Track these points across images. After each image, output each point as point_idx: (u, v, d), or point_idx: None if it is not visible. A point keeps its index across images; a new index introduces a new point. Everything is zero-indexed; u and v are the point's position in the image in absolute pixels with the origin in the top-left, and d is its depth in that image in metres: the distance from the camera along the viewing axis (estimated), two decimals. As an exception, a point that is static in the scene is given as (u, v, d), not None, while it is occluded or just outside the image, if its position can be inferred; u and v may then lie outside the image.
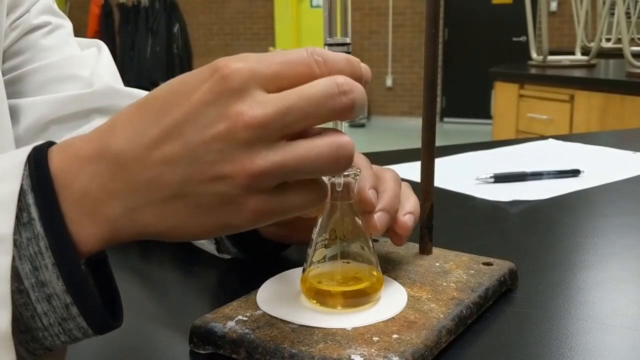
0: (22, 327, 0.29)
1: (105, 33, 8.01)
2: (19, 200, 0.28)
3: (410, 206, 0.46)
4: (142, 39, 7.99)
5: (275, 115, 0.29)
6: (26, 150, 0.30)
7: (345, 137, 0.31)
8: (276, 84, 0.30)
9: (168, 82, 0.31)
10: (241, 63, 0.29)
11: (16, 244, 0.28)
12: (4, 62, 0.62)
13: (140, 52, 8.02)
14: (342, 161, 0.30)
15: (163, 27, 7.88)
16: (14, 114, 0.60)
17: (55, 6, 0.68)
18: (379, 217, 0.42)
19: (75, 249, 0.30)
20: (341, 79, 0.30)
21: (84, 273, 0.29)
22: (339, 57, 0.31)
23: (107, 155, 0.29)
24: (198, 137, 0.28)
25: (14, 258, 0.28)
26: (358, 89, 0.31)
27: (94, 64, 0.66)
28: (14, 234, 0.28)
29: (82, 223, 0.30)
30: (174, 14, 7.93)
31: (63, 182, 0.29)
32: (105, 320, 0.31)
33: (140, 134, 0.29)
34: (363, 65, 0.33)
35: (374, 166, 0.46)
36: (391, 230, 0.45)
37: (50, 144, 0.31)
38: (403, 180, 0.48)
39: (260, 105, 0.28)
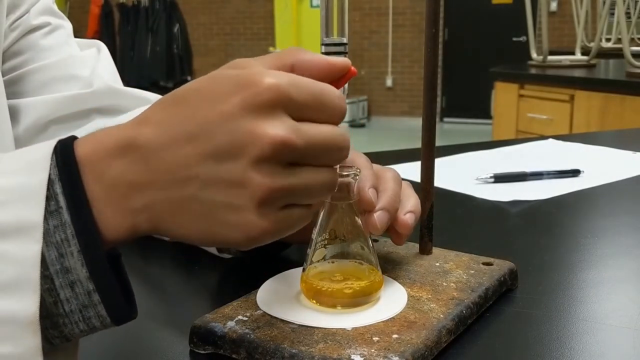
0: (43, 313, 0.30)
1: (105, 33, 8.02)
2: (47, 189, 0.29)
3: (411, 205, 0.46)
4: (142, 39, 7.99)
5: (298, 145, 0.30)
6: (52, 142, 0.31)
7: (334, 173, 0.34)
8: (301, 112, 0.31)
9: (199, 81, 0.32)
10: (274, 80, 0.30)
11: (43, 231, 0.29)
12: (3, 62, 0.62)
13: (140, 52, 8.02)
14: (332, 188, 0.34)
15: (163, 27, 7.88)
16: (14, 114, 0.60)
17: (55, 7, 0.68)
18: (378, 216, 0.42)
19: (100, 237, 0.30)
20: (348, 138, 0.34)
21: (106, 262, 0.30)
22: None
23: (135, 147, 0.31)
24: (225, 145, 0.30)
25: (41, 245, 0.29)
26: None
27: (93, 64, 0.66)
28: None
29: (108, 212, 0.31)
30: (174, 14, 7.93)
31: (90, 172, 0.31)
32: (123, 309, 0.32)
33: (168, 133, 0.30)
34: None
35: (375, 165, 0.46)
36: (392, 229, 0.45)
37: (75, 137, 0.32)
38: (403, 180, 0.48)
39: (287, 129, 0.30)
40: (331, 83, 0.35)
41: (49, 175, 0.30)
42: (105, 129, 0.33)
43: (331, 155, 0.33)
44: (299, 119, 0.31)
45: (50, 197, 0.29)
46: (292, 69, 0.33)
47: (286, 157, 0.30)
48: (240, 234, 0.31)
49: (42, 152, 0.30)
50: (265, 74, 0.30)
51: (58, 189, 0.30)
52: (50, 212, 0.29)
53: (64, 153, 0.30)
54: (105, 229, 0.31)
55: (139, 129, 0.31)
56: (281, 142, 0.30)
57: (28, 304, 0.28)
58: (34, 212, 0.29)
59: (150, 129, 0.31)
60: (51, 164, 0.30)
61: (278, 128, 0.30)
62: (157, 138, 0.30)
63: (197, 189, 0.30)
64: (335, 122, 0.33)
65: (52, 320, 0.30)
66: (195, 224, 0.31)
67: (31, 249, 0.29)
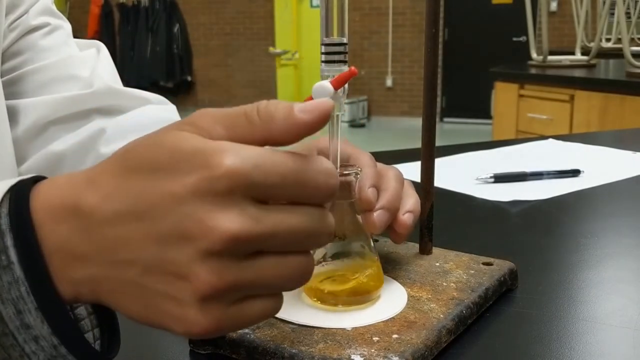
0: None
1: (105, 33, 8.02)
2: None
3: (410, 205, 0.46)
4: (142, 39, 7.99)
5: (255, 237, 0.27)
6: (8, 184, 0.29)
7: (309, 259, 0.30)
8: (268, 195, 0.28)
9: (156, 143, 0.28)
10: (237, 163, 0.26)
11: None
12: (2, 63, 0.62)
13: (140, 52, 8.03)
14: (303, 280, 0.30)
15: (163, 27, 7.89)
16: (13, 114, 0.60)
17: (54, 7, 0.68)
18: (378, 216, 0.42)
19: (57, 291, 0.28)
20: (331, 221, 0.30)
21: (68, 316, 0.29)
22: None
23: (79, 214, 0.28)
24: (171, 231, 0.27)
25: None
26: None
27: (93, 65, 0.66)
28: None
29: (55, 274, 0.28)
30: (174, 14, 7.94)
31: (39, 231, 0.28)
32: (97, 354, 0.30)
33: (117, 201, 0.28)
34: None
35: (378, 164, 0.46)
36: (391, 228, 0.45)
37: (36, 180, 0.30)
38: (405, 179, 0.48)
39: (242, 222, 0.26)
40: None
41: (0, 225, 0.27)
42: (59, 179, 0.30)
43: (304, 242, 0.29)
44: (267, 200, 0.28)
45: (1, 250, 0.27)
46: (262, 138, 0.29)
47: (240, 250, 0.27)
48: (180, 328, 0.28)
49: None
50: (226, 153, 0.27)
51: (9, 241, 0.27)
52: (2, 267, 0.27)
53: (19, 201, 0.28)
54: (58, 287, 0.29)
55: (86, 194, 0.28)
56: (234, 237, 0.26)
57: None
58: None
59: (96, 198, 0.28)
60: (2, 211, 0.28)
61: (232, 220, 0.26)
62: (101, 210, 0.28)
63: (137, 274, 0.28)
64: (318, 203, 0.29)
65: None
66: (134, 307, 0.29)
67: None
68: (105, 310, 0.33)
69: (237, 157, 0.27)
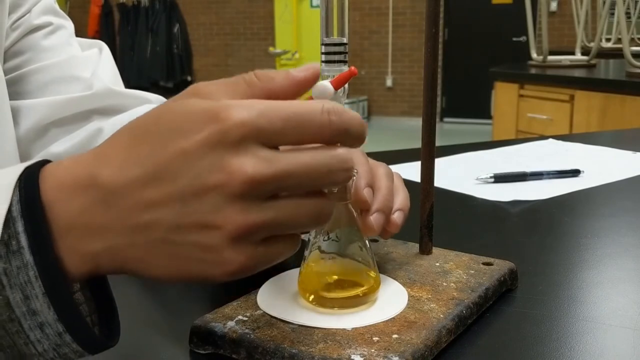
0: (16, 354, 0.29)
1: (105, 33, 8.02)
2: (8, 226, 0.28)
3: (399, 202, 0.45)
4: (142, 39, 7.99)
5: (274, 178, 0.28)
6: (17, 170, 0.29)
7: (325, 200, 0.31)
8: (278, 140, 0.29)
9: (160, 112, 0.30)
10: (244, 114, 0.28)
11: (6, 272, 0.28)
12: (4, 62, 0.62)
13: (140, 52, 8.03)
14: (322, 219, 0.31)
15: (163, 27, 7.88)
16: (15, 116, 0.60)
17: (57, 6, 0.68)
18: (375, 219, 0.42)
19: (66, 276, 0.29)
20: (348, 155, 0.30)
21: (75, 302, 0.29)
22: (355, 120, 0.31)
23: (96, 186, 0.29)
24: (191, 187, 0.28)
25: (4, 287, 0.28)
26: (358, 166, 0.32)
27: (94, 65, 0.66)
28: (4, 262, 0.28)
29: (68, 253, 0.29)
30: (174, 14, 7.94)
31: (52, 210, 0.29)
32: (100, 343, 0.31)
33: (131, 168, 0.28)
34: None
35: (369, 160, 0.46)
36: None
37: (43, 163, 0.30)
38: (394, 172, 0.48)
39: (259, 164, 0.28)
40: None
41: (11, 211, 0.28)
42: (69, 159, 0.31)
43: (318, 180, 0.30)
44: (277, 145, 0.29)
45: (12, 235, 0.28)
46: (261, 95, 0.31)
47: (260, 192, 0.28)
48: (217, 271, 0.29)
49: (5, 182, 0.29)
50: (233, 107, 0.28)
51: (20, 227, 0.28)
52: (12, 252, 0.28)
53: (28, 186, 0.29)
54: (69, 268, 0.29)
55: (99, 168, 0.29)
56: (251, 178, 0.28)
57: None
58: None
59: (110, 170, 0.29)
60: (14, 199, 0.28)
61: (247, 164, 0.28)
62: (117, 180, 0.28)
63: (163, 232, 0.28)
64: (325, 141, 0.30)
65: None
66: (165, 267, 0.30)
67: None
68: (103, 296, 0.33)
69: (242, 108, 0.28)
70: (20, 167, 0.30)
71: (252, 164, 0.28)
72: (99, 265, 0.30)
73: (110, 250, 0.29)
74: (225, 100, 0.29)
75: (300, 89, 0.32)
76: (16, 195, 0.28)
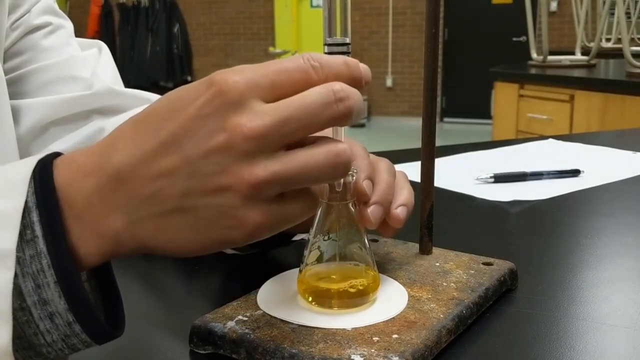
0: (25, 344, 0.29)
1: (105, 33, 8.02)
2: (23, 217, 0.28)
3: (403, 198, 0.45)
4: (142, 39, 7.99)
5: (273, 126, 0.29)
6: (31, 163, 0.30)
7: (341, 145, 0.31)
8: (273, 93, 0.30)
9: (166, 96, 0.31)
10: (237, 76, 0.29)
11: (19, 261, 0.28)
12: (4, 62, 0.62)
13: (140, 52, 8.03)
14: (340, 168, 0.31)
15: (163, 27, 7.89)
16: (15, 115, 0.60)
17: (57, 6, 0.68)
18: (372, 211, 0.42)
19: (78, 266, 0.30)
20: (337, 86, 0.30)
21: (85, 292, 0.29)
22: (336, 60, 0.32)
23: (108, 170, 0.30)
24: (197, 150, 0.29)
25: (16, 275, 0.28)
26: (354, 95, 0.31)
27: (94, 65, 0.66)
28: (17, 251, 0.28)
29: (85, 237, 0.30)
30: (174, 14, 7.94)
31: (67, 198, 0.29)
32: (108, 333, 0.31)
33: (139, 148, 0.29)
34: (362, 65, 0.33)
35: (370, 155, 0.46)
36: (383, 222, 0.44)
37: (55, 155, 0.31)
38: (399, 170, 0.48)
39: (258, 117, 0.29)
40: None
41: (26, 202, 0.29)
42: (80, 150, 0.32)
43: (317, 117, 0.30)
44: (277, 98, 0.30)
45: (26, 225, 0.28)
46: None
47: (264, 145, 0.29)
48: (237, 233, 0.30)
49: (20, 175, 0.29)
50: (226, 72, 0.30)
51: (35, 217, 0.28)
52: (26, 241, 0.28)
53: (42, 178, 0.29)
54: (84, 254, 0.30)
55: (107, 155, 0.30)
56: (254, 133, 0.28)
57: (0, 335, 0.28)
58: (7, 238, 0.28)
59: (118, 156, 0.30)
60: (29, 190, 0.29)
61: (250, 119, 0.28)
62: (125, 161, 0.29)
63: (179, 200, 0.29)
64: (316, 84, 0.31)
65: (35, 351, 0.30)
66: (184, 236, 0.30)
67: (2, 277, 0.28)
68: (108, 286, 0.33)
69: (235, 71, 0.30)
70: (34, 159, 0.30)
71: (251, 118, 0.28)
72: (119, 244, 0.30)
73: (129, 226, 0.30)
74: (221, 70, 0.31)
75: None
76: (31, 187, 0.29)
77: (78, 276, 0.29)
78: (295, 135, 0.30)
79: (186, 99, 0.29)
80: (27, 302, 0.28)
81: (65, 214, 0.29)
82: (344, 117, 0.30)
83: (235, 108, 0.29)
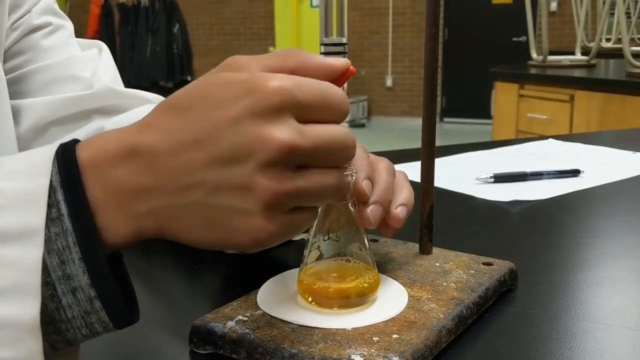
0: (46, 319, 0.30)
1: (105, 33, 8.02)
2: (49, 196, 0.29)
3: (403, 197, 0.45)
4: (142, 39, 7.99)
5: (304, 148, 0.30)
6: (54, 146, 0.31)
7: (342, 173, 0.34)
8: (306, 113, 0.31)
9: (202, 86, 0.31)
10: (279, 84, 0.30)
11: (46, 239, 0.29)
12: (5, 62, 0.62)
13: (140, 52, 8.02)
14: (343, 190, 0.35)
15: (163, 27, 7.88)
16: (15, 115, 0.60)
17: (57, 7, 0.68)
18: (371, 211, 0.42)
19: (102, 244, 0.31)
20: (352, 135, 0.34)
21: (107, 269, 0.30)
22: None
23: (139, 153, 0.30)
24: (231, 151, 0.30)
25: (42, 253, 0.29)
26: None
27: (94, 65, 0.66)
28: (44, 229, 0.29)
29: (111, 217, 0.31)
30: (174, 14, 7.93)
31: (92, 178, 0.30)
32: (126, 315, 0.32)
33: (174, 134, 0.30)
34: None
35: (370, 155, 0.46)
36: (383, 221, 0.44)
37: (77, 141, 0.32)
38: (399, 170, 0.48)
39: (293, 133, 0.30)
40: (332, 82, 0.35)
41: (51, 181, 0.29)
42: (107, 132, 0.32)
43: (338, 154, 0.33)
44: (304, 120, 0.31)
45: (52, 204, 0.29)
46: (293, 71, 0.33)
47: (293, 160, 0.30)
48: (248, 238, 0.31)
49: (43, 156, 0.30)
50: (270, 77, 0.30)
51: (60, 196, 0.29)
52: (51, 219, 0.29)
53: (66, 158, 0.30)
54: (109, 234, 0.31)
55: (142, 136, 0.31)
56: (288, 146, 0.30)
57: (29, 309, 0.28)
58: (35, 217, 0.29)
59: (154, 136, 0.31)
60: (53, 170, 0.30)
61: (285, 132, 0.30)
62: (161, 144, 0.30)
63: (203, 194, 0.30)
64: (338, 121, 0.33)
65: (55, 326, 0.30)
66: (201, 229, 0.31)
67: (32, 254, 0.29)
68: (122, 277, 0.34)
69: (280, 79, 0.30)
70: (55, 144, 0.31)
71: (288, 132, 0.30)
72: (141, 227, 0.31)
73: (153, 211, 0.31)
74: (261, 72, 0.31)
75: (331, 75, 0.34)
76: (55, 166, 0.30)
77: (102, 253, 0.30)
78: (316, 162, 0.32)
79: (225, 96, 0.30)
80: (51, 277, 0.29)
81: (91, 193, 0.30)
82: (348, 160, 0.34)
83: (272, 118, 0.30)
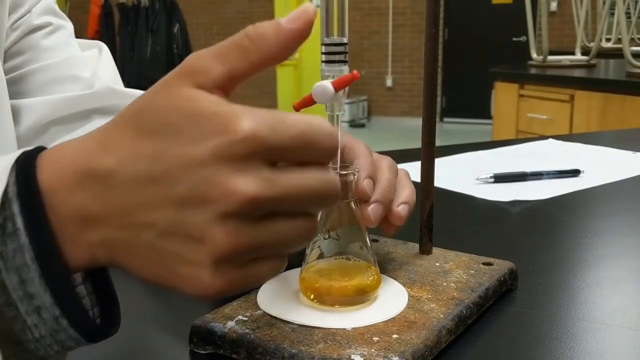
0: (13, 340, 0.28)
1: (105, 33, 8.02)
2: (4, 209, 0.27)
3: (405, 196, 0.45)
4: (142, 39, 7.99)
5: (270, 199, 0.27)
6: (14, 155, 0.29)
7: (314, 221, 0.30)
8: (282, 156, 0.28)
9: (165, 104, 0.28)
10: (251, 128, 0.27)
11: (2, 256, 0.27)
12: (5, 62, 0.62)
13: (140, 52, 8.02)
14: (308, 241, 0.31)
15: (163, 27, 7.88)
16: (15, 114, 0.60)
17: (57, 7, 0.68)
18: (372, 209, 0.42)
19: (62, 261, 0.29)
20: (337, 182, 0.30)
21: (71, 286, 0.29)
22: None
23: (98, 176, 0.28)
24: (189, 194, 0.27)
25: (0, 270, 0.27)
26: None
27: (94, 65, 0.66)
28: (0, 245, 0.27)
29: (66, 242, 0.29)
30: (174, 14, 7.93)
31: (53, 198, 0.28)
32: (98, 330, 0.30)
33: (134, 163, 0.28)
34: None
35: (373, 153, 0.46)
36: (384, 220, 0.44)
37: (40, 149, 0.30)
38: (401, 168, 0.48)
39: (259, 185, 0.27)
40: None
41: (7, 193, 0.28)
42: (67, 145, 0.30)
43: (313, 204, 0.30)
44: (279, 161, 0.29)
45: (7, 217, 0.27)
46: (260, 61, 0.30)
47: (256, 212, 0.28)
48: (192, 290, 0.28)
49: (1, 165, 0.28)
50: (244, 118, 0.27)
51: (16, 208, 0.27)
52: (7, 234, 0.27)
53: (25, 170, 0.28)
54: (66, 257, 0.29)
55: (100, 159, 0.28)
56: (252, 199, 0.27)
57: None
58: None
59: (112, 160, 0.28)
60: (10, 180, 0.28)
61: (250, 183, 0.27)
62: (119, 173, 0.28)
63: (154, 236, 0.28)
64: (324, 162, 0.30)
65: (24, 346, 0.29)
66: (149, 269, 0.29)
67: None
68: (105, 289, 0.33)
69: (254, 121, 0.27)
70: (18, 152, 0.29)
71: (254, 184, 0.27)
72: (95, 256, 0.29)
73: (104, 242, 0.29)
74: (236, 105, 0.28)
75: (296, 42, 0.30)
76: (12, 176, 0.28)
77: (63, 269, 0.28)
78: (284, 211, 0.29)
79: (191, 137, 0.27)
80: (12, 297, 0.28)
81: (48, 209, 0.28)
82: (327, 207, 0.32)
83: (238, 166, 0.27)
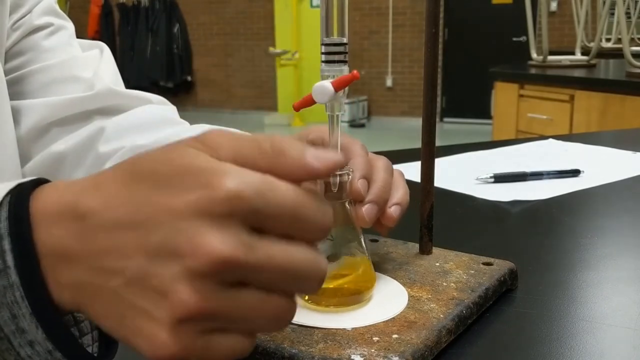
0: None
1: (105, 33, 8.03)
2: None
3: (398, 197, 0.45)
4: (142, 39, 8.00)
5: (244, 266, 0.26)
6: (8, 187, 0.28)
7: (292, 304, 0.29)
8: (266, 224, 0.27)
9: (163, 157, 0.28)
10: (236, 187, 0.26)
11: None
12: (5, 62, 0.62)
13: (140, 52, 8.03)
14: (282, 324, 0.29)
15: (163, 27, 7.89)
16: (15, 115, 0.60)
17: (57, 7, 0.68)
18: (367, 210, 0.42)
19: (52, 297, 0.28)
20: (324, 266, 0.29)
21: (62, 322, 0.29)
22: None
23: (79, 213, 0.27)
24: (162, 244, 0.26)
25: None
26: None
27: (95, 66, 0.66)
28: None
29: (48, 279, 0.28)
30: (174, 14, 7.94)
31: (37, 234, 0.28)
32: (92, 359, 0.30)
33: (117, 209, 0.27)
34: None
35: (369, 153, 0.46)
36: (378, 220, 0.44)
37: (38, 182, 0.30)
38: (396, 169, 0.48)
39: (234, 246, 0.26)
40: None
41: None
42: (65, 180, 0.29)
43: (293, 283, 0.28)
44: (262, 230, 0.27)
45: None
46: (268, 168, 0.28)
47: (227, 277, 0.26)
48: (146, 346, 0.27)
49: None
50: (230, 175, 0.26)
51: (7, 245, 0.27)
52: None
53: (19, 204, 0.28)
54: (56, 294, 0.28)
55: (88, 196, 0.28)
56: (224, 260, 0.25)
57: None
58: None
59: (97, 201, 0.27)
60: (2, 214, 0.27)
61: (226, 243, 0.25)
62: (100, 214, 0.27)
63: (119, 284, 0.27)
64: (313, 239, 0.28)
65: None
66: (109, 318, 0.28)
67: None
68: None
69: (239, 180, 0.26)
70: (12, 183, 0.29)
71: (229, 245, 0.25)
72: (61, 297, 0.28)
73: (72, 284, 0.28)
74: (224, 162, 0.27)
75: (307, 178, 0.28)
76: (5, 211, 0.28)
77: (54, 306, 0.28)
78: (259, 284, 0.27)
79: (173, 187, 0.26)
80: (4, 332, 0.28)
81: (37, 246, 0.28)
82: (308, 293, 0.31)
83: (218, 224, 0.26)
